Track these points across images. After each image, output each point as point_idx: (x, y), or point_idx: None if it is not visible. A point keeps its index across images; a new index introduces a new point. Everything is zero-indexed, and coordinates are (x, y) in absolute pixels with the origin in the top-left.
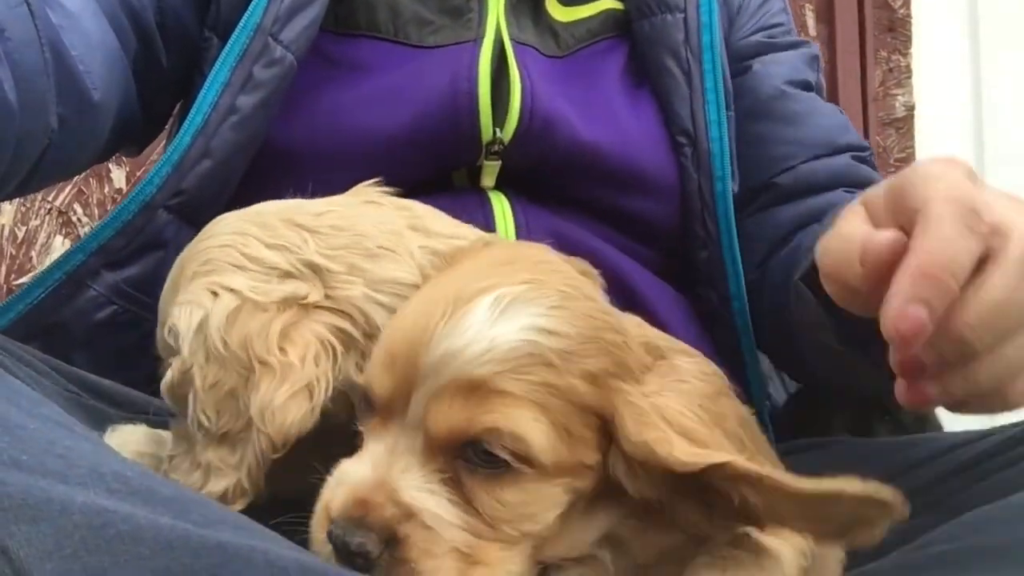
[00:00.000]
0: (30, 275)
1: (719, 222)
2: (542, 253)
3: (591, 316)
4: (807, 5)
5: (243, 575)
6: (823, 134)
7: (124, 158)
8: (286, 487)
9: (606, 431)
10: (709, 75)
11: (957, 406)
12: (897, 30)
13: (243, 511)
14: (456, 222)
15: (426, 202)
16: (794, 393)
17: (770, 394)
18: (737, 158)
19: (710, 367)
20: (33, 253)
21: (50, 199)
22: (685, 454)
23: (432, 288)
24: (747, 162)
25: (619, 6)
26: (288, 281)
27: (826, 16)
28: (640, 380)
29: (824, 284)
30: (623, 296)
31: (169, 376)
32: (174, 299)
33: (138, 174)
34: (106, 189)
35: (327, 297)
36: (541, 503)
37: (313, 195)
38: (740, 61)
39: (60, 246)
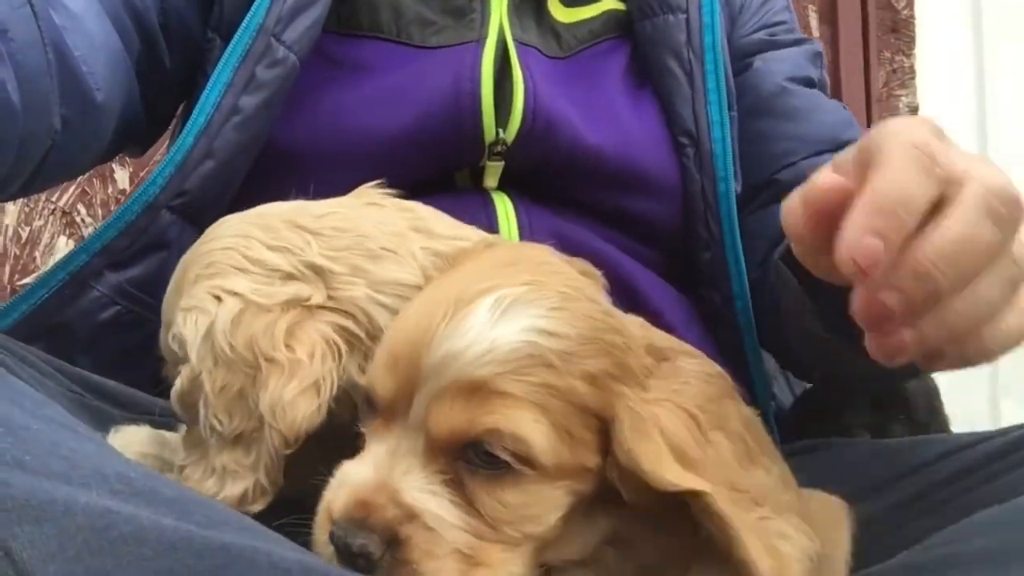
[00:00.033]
0: (34, 276)
1: (722, 223)
2: (544, 254)
3: (591, 317)
4: (810, 6)
5: None
6: (826, 130)
7: (128, 159)
8: (289, 488)
9: (607, 434)
10: (711, 76)
11: (935, 358)
12: (900, 31)
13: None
14: (458, 223)
15: (429, 203)
16: (801, 395)
17: (775, 394)
18: (739, 156)
19: (714, 368)
20: (37, 253)
21: (54, 200)
22: (670, 473)
23: (434, 289)
24: (749, 159)
25: (621, 7)
26: (291, 283)
27: (829, 17)
28: (642, 384)
29: (792, 246)
30: (626, 297)
31: (178, 385)
32: (177, 301)
33: (141, 175)
34: (110, 190)
35: (330, 298)
36: (542, 504)
37: (316, 195)
38: (742, 59)
39: (64, 247)
